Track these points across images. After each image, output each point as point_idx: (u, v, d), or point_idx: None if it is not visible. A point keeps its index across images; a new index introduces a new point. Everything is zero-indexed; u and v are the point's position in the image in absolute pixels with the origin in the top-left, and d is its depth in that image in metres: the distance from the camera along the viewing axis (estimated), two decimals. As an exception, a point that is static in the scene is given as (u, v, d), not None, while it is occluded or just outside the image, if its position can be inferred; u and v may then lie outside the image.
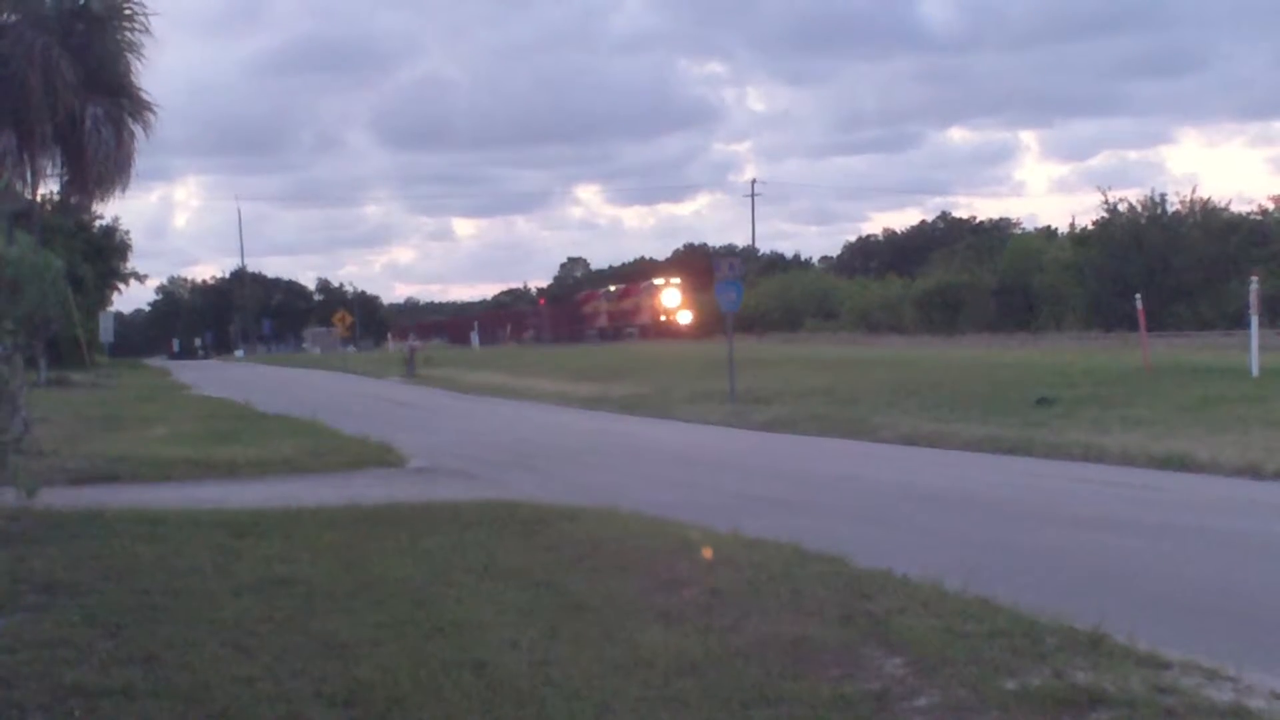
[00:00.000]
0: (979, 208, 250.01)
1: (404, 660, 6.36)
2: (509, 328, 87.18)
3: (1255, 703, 5.71)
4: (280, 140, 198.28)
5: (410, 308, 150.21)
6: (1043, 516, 11.94)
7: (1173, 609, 8.05)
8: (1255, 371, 22.13)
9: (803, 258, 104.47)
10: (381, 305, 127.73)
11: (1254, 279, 24.60)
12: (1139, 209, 53.55)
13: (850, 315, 63.01)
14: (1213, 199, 53.39)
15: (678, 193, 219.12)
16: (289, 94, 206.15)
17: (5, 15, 32.38)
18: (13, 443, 10.76)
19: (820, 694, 5.78)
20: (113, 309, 61.05)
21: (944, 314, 56.37)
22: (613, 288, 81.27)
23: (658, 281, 72.19)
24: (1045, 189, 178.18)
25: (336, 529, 10.49)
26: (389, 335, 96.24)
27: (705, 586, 7.98)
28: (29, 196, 33.62)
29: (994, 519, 11.86)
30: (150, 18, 32.71)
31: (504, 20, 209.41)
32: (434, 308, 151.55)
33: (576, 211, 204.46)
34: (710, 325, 58.36)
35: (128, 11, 32.65)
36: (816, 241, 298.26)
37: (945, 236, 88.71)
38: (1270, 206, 53.60)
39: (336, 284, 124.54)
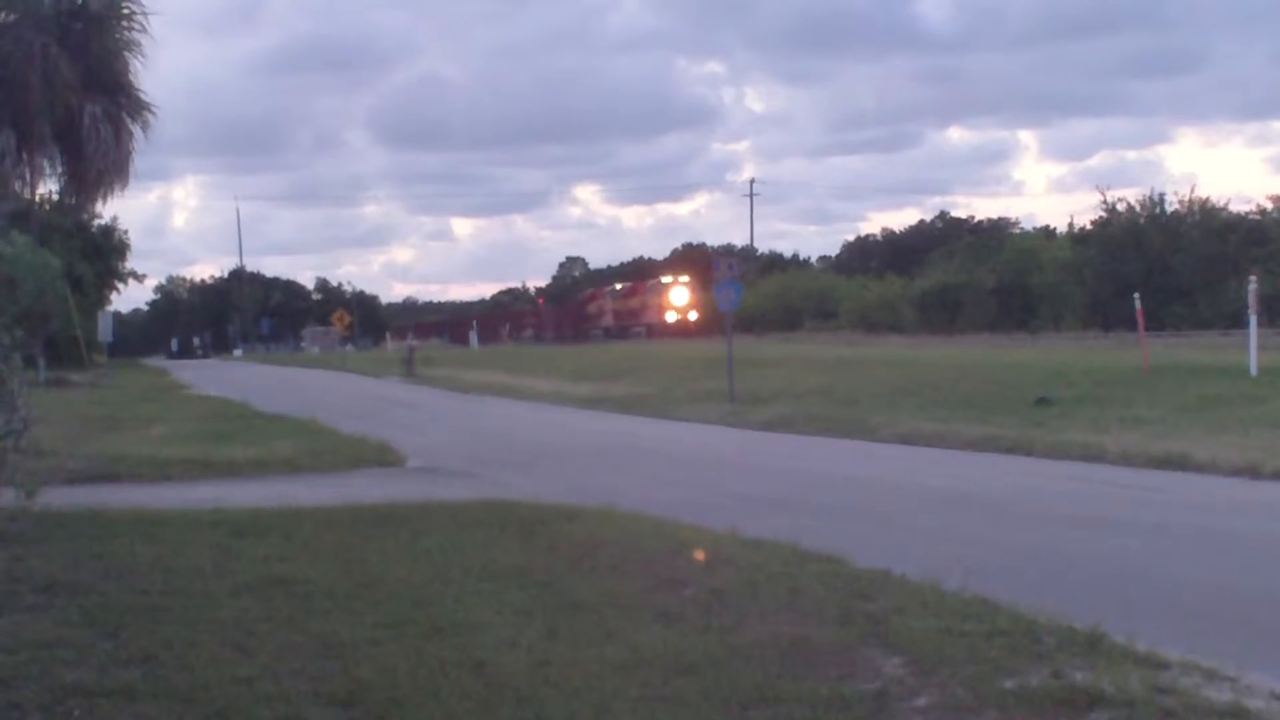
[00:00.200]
0: (978, 207, 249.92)
1: (403, 660, 6.36)
2: (508, 327, 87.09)
3: (1254, 703, 5.71)
4: (279, 140, 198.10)
5: (409, 307, 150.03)
6: (1041, 516, 11.95)
7: (1172, 609, 8.06)
8: (1254, 371, 22.14)
9: (801, 257, 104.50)
10: (380, 305, 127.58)
11: (1252, 278, 24.62)
12: (1138, 209, 53.64)
13: (849, 315, 62.99)
14: (1211, 199, 53.52)
15: (676, 192, 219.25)
16: (287, 93, 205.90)
17: (4, 15, 32.37)
18: (11, 442, 10.76)
19: (819, 694, 5.78)
20: (111, 308, 60.93)
21: (943, 314, 56.39)
22: (619, 286, 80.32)
23: (666, 279, 71.17)
24: (1044, 189, 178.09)
25: (335, 529, 10.49)
26: (388, 335, 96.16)
27: (704, 586, 7.98)
28: (27, 196, 33.63)
29: (993, 519, 11.87)
30: (148, 17, 32.72)
31: (502, 20, 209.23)
32: (433, 307, 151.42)
33: (575, 211, 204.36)
34: (711, 324, 58.21)
35: (126, 11, 32.66)
36: (815, 241, 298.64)
37: (944, 236, 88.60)
38: (1269, 206, 53.68)
39: (335, 284, 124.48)
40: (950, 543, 10.37)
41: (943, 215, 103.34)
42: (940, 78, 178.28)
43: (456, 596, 7.82)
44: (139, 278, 72.35)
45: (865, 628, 6.89)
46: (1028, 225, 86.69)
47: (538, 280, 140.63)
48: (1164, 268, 49.01)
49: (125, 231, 61.04)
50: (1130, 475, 14.60)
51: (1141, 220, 52.66)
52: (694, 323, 64.64)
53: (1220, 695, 5.80)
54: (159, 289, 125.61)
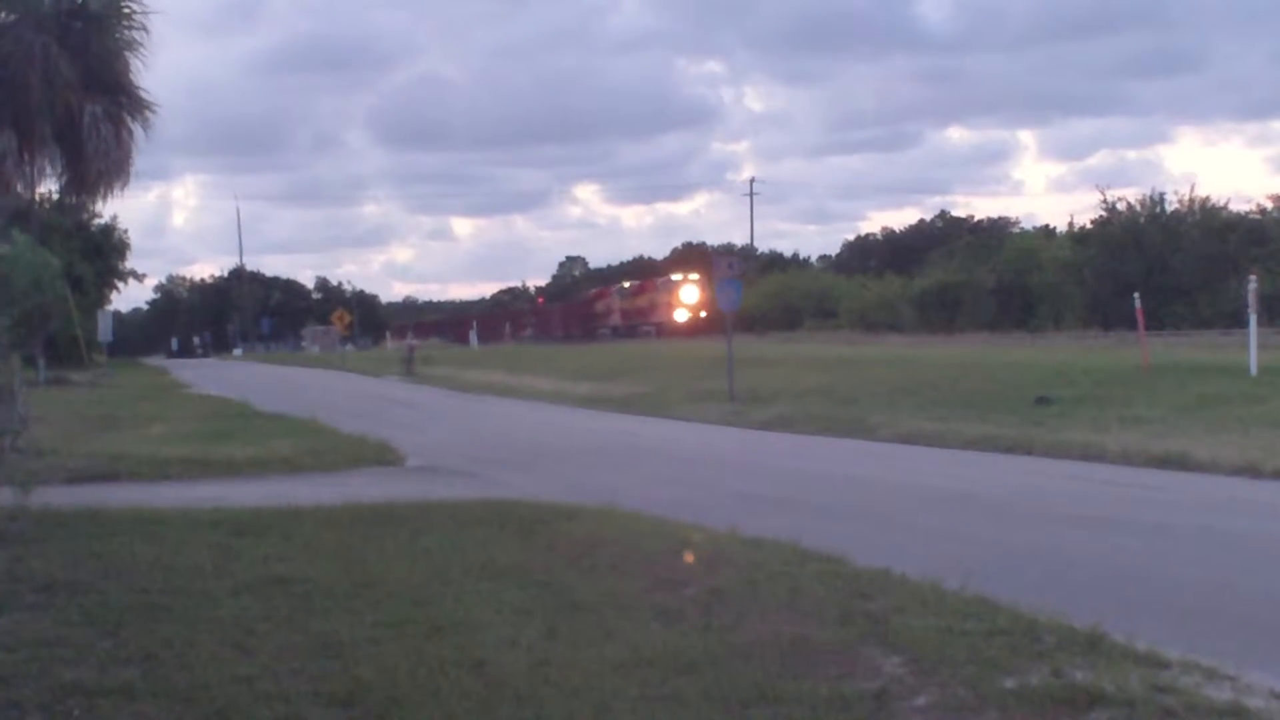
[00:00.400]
0: (977, 207, 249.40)
1: (403, 659, 6.35)
2: (508, 326, 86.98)
3: (1254, 702, 5.71)
4: (279, 139, 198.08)
5: (409, 306, 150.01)
6: (1041, 516, 11.94)
7: (1172, 608, 8.05)
8: (1254, 370, 22.13)
9: (801, 257, 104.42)
10: (380, 304, 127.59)
11: (1252, 278, 24.61)
12: (1137, 208, 53.63)
13: (849, 314, 62.97)
14: (1211, 198, 53.50)
15: (676, 192, 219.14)
16: (287, 93, 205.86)
17: (4, 14, 32.36)
18: (10, 441, 10.77)
19: (819, 693, 5.78)
20: (111, 308, 60.89)
21: (942, 313, 56.37)
22: (627, 284, 79.25)
23: (675, 277, 69.87)
24: (1043, 188, 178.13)
25: (335, 528, 10.49)
26: (387, 334, 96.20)
27: (704, 585, 7.98)
28: (27, 195, 33.62)
29: (993, 518, 11.86)
30: (148, 16, 32.68)
31: (502, 19, 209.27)
32: (432, 306, 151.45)
33: (575, 211, 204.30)
34: (720, 323, 57.73)
35: (126, 10, 32.63)
36: (815, 240, 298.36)
37: (944, 236, 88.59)
38: (1269, 205, 53.69)
39: (335, 283, 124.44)
40: (950, 542, 10.37)
41: (943, 215, 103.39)
42: (940, 77, 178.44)
43: (456, 596, 7.82)
44: (139, 277, 72.37)
45: (865, 627, 6.89)
46: (1027, 225, 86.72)
47: (538, 280, 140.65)
48: (1164, 267, 49.01)
49: (125, 231, 61.04)
50: (1130, 474, 14.60)
51: (1141, 220, 52.65)
52: (705, 321, 63.59)
53: (1220, 694, 5.80)
54: (159, 288, 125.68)
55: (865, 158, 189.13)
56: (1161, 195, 53.71)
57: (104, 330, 48.17)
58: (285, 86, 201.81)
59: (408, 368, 45.61)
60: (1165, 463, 15.06)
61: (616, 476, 15.49)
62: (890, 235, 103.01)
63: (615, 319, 74.95)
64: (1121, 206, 53.98)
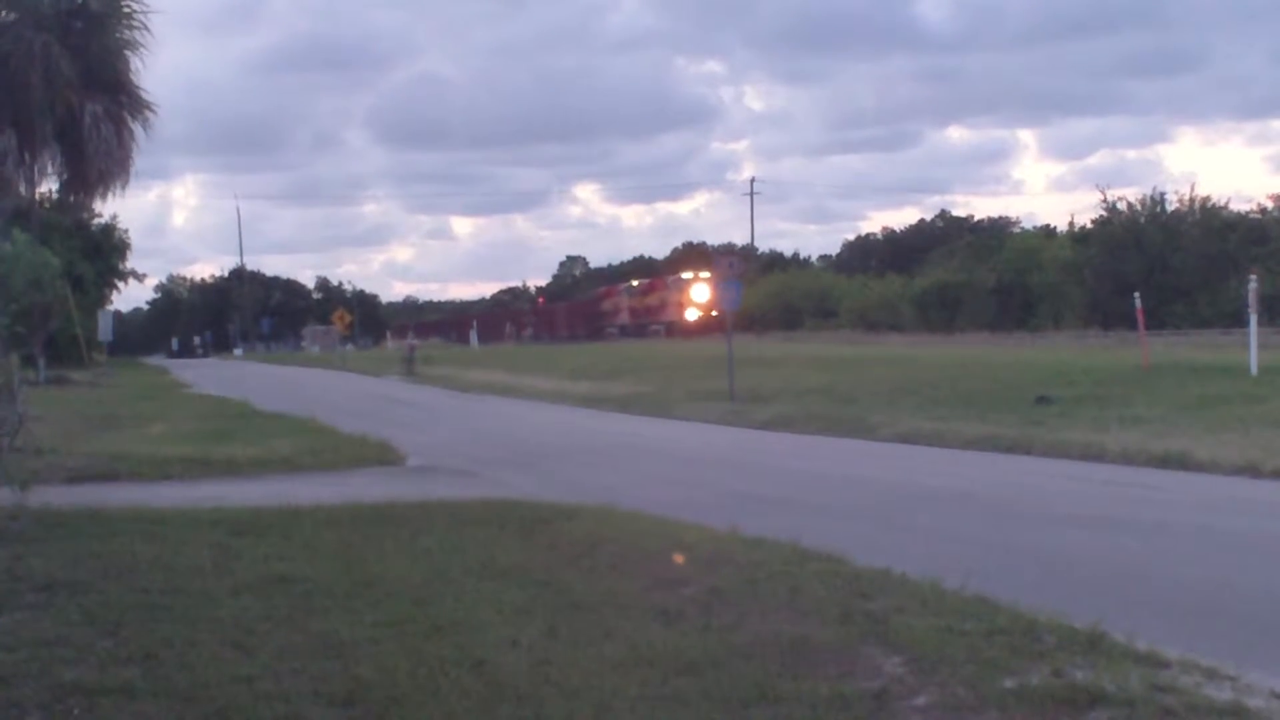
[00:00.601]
0: (977, 206, 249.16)
1: (403, 659, 6.35)
2: (509, 326, 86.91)
3: (1254, 702, 5.71)
4: (278, 139, 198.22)
5: (409, 306, 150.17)
6: (1042, 515, 11.94)
7: (1172, 608, 8.05)
8: (1254, 370, 22.14)
9: (801, 256, 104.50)
10: (380, 304, 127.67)
11: (1253, 277, 24.62)
12: (1138, 208, 53.65)
13: (849, 314, 63.02)
14: (1211, 197, 53.53)
15: (676, 191, 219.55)
16: (287, 93, 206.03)
17: (4, 13, 32.37)
18: (8, 439, 10.77)
19: (819, 693, 5.78)
20: (111, 307, 60.91)
21: (943, 313, 56.41)
22: (635, 282, 78.69)
23: (687, 275, 68.95)
24: (1044, 188, 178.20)
25: (335, 528, 10.48)
26: (388, 334, 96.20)
27: (704, 585, 7.98)
28: (28, 195, 33.63)
29: (993, 518, 11.86)
30: (148, 16, 32.70)
31: (501, 19, 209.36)
32: (433, 306, 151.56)
33: (575, 210, 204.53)
34: (722, 323, 57.25)
35: (126, 10, 32.65)
36: (815, 240, 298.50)
37: (944, 235, 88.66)
38: (1269, 205, 53.70)
39: (335, 282, 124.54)
40: (950, 542, 10.37)
41: (943, 214, 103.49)
42: (940, 77, 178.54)
43: (456, 595, 7.82)
44: (139, 277, 72.35)
45: (865, 627, 6.89)
46: (1028, 224, 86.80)
47: (538, 279, 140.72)
48: (1164, 267, 49.02)
49: (125, 230, 61.03)
50: (1130, 474, 14.59)
51: (1141, 219, 52.68)
52: (716, 320, 62.53)
53: (1220, 694, 5.80)
54: (159, 288, 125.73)
55: (865, 157, 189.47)
56: (1162, 195, 53.81)
57: (104, 330, 48.16)
58: (285, 86, 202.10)
59: (408, 367, 45.59)
60: (1165, 462, 15.05)
61: (616, 476, 15.49)
62: (890, 235, 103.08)
63: (623, 318, 74.45)
64: (1122, 206, 54.05)
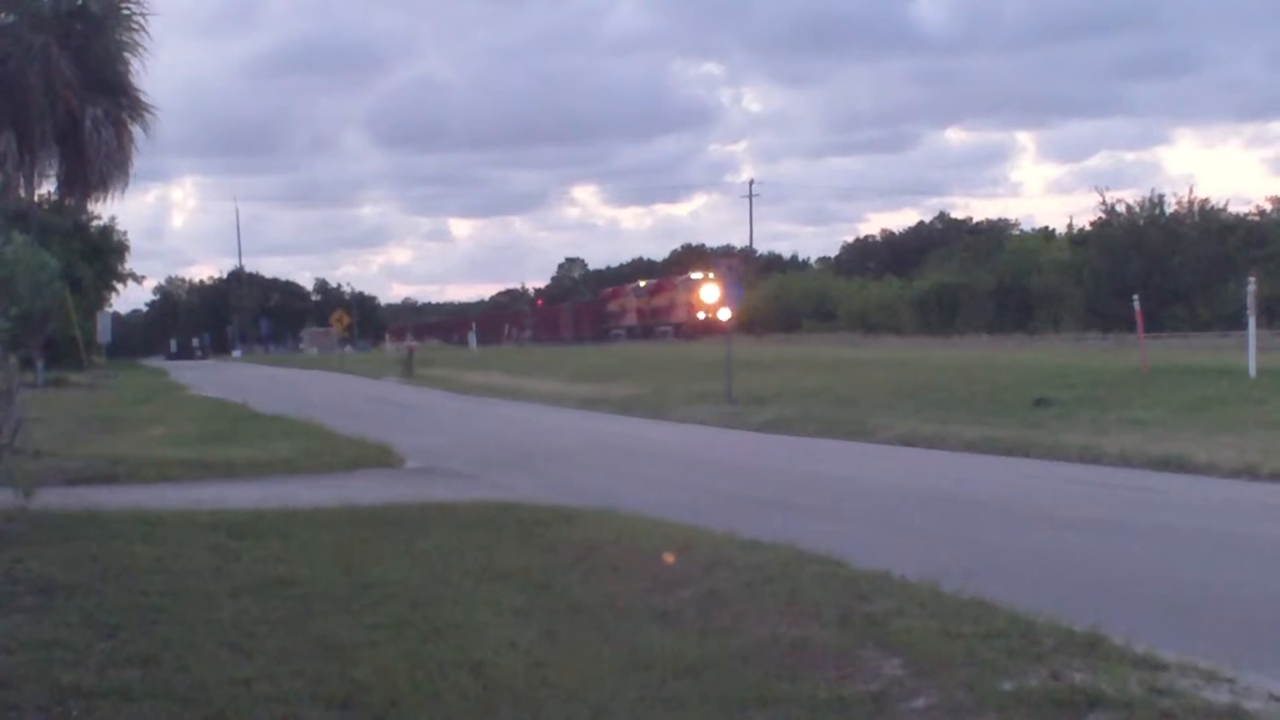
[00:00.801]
0: (976, 208, 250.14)
1: (401, 661, 6.35)
2: (507, 328, 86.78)
3: (1252, 704, 5.71)
4: (277, 141, 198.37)
5: (407, 308, 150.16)
6: (1040, 518, 11.95)
7: (1170, 610, 8.06)
8: (1253, 373, 22.13)
9: (800, 258, 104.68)
10: (379, 306, 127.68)
11: (1251, 280, 24.60)
12: (1136, 210, 53.72)
13: (848, 316, 63.05)
14: (1210, 200, 53.63)
15: (674, 193, 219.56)
16: (285, 95, 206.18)
17: (4, 15, 32.36)
18: (8, 443, 10.76)
19: (818, 695, 5.78)
20: (110, 309, 60.89)
21: (941, 315, 56.45)
22: (643, 283, 77.95)
23: (695, 275, 69.03)
24: (1042, 190, 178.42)
25: (334, 530, 10.48)
26: (386, 336, 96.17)
27: (703, 588, 7.98)
28: (27, 197, 33.61)
29: (991, 520, 11.86)
30: (147, 18, 32.67)
31: (500, 21, 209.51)
32: (431, 308, 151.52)
33: (573, 212, 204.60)
34: (721, 325, 56.61)
35: (125, 12, 32.62)
36: (814, 242, 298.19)
37: (943, 237, 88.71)
38: (1268, 207, 53.77)
39: (334, 284, 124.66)
40: (949, 544, 10.37)
41: (941, 216, 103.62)
42: (938, 79, 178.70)
43: (455, 598, 7.82)
44: (138, 279, 72.13)
45: (864, 629, 6.89)
46: (1026, 226, 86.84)
47: (537, 281, 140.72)
48: (1163, 269, 49.09)
49: (124, 232, 61.05)
50: (1129, 476, 14.60)
51: (1140, 221, 52.77)
52: (726, 322, 61.15)
53: (1218, 697, 5.80)
54: (158, 290, 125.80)
55: (864, 159, 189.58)
56: (1160, 197, 53.93)
57: (103, 332, 48.14)
58: (283, 88, 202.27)
59: (407, 369, 45.59)
60: (1164, 465, 15.06)
61: (615, 479, 15.49)
62: (889, 237, 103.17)
63: (631, 319, 73.72)
64: (1120, 208, 54.17)
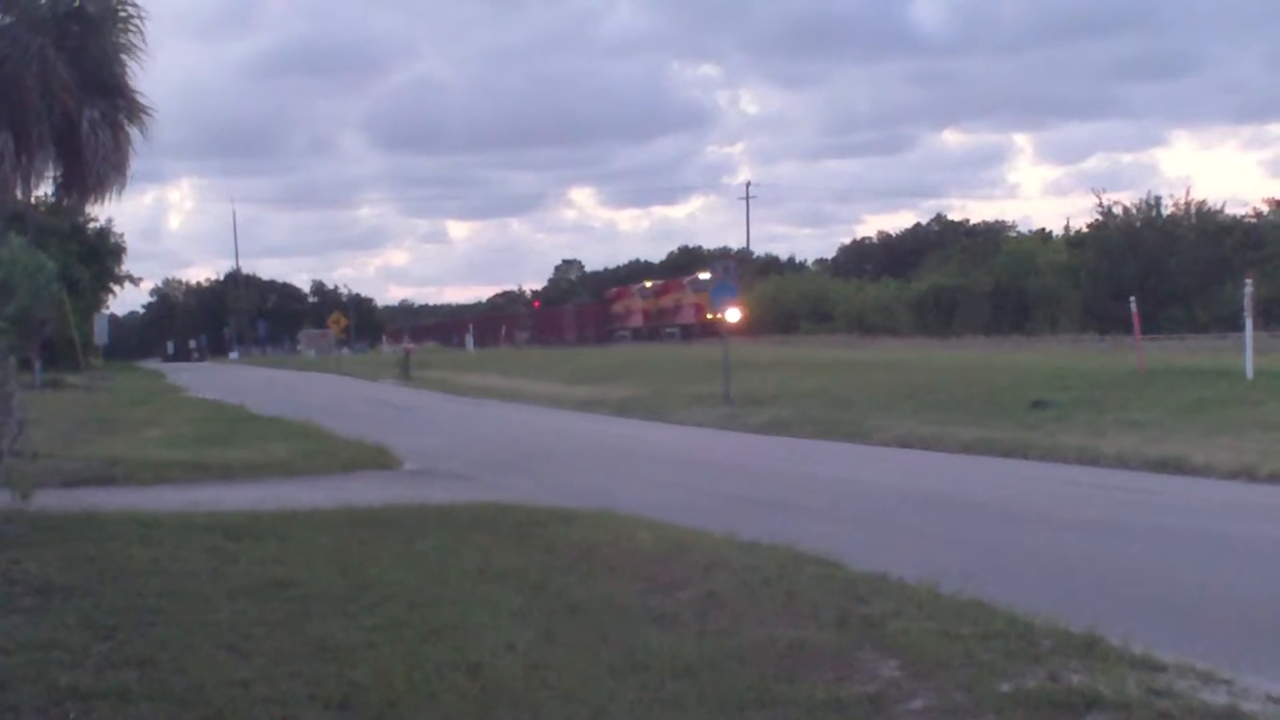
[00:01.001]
0: (973, 210, 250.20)
1: (399, 663, 6.35)
2: (504, 330, 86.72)
3: (1250, 706, 5.71)
4: (274, 142, 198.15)
5: (405, 310, 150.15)
6: (1038, 519, 11.95)
7: (1168, 611, 8.06)
8: (1250, 374, 22.14)
9: (797, 260, 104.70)
10: (376, 307, 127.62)
11: (1248, 281, 24.61)
12: (1133, 212, 53.80)
13: (845, 318, 63.04)
14: (1207, 202, 53.72)
15: (672, 195, 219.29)
16: (283, 96, 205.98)
17: (0, 16, 32.34)
18: (6, 444, 10.76)
19: (815, 697, 5.78)
20: (107, 311, 60.96)
21: (939, 316, 56.48)
22: (649, 283, 77.24)
23: (703, 276, 68.86)
24: (1039, 191, 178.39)
25: (331, 531, 10.48)
26: (384, 337, 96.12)
27: (700, 589, 7.98)
28: (24, 198, 33.58)
29: (989, 522, 11.87)
30: (145, 20, 32.65)
31: (497, 23, 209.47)
32: (429, 310, 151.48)
33: (570, 214, 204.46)
34: (740, 326, 56.11)
35: (123, 14, 32.61)
36: (811, 244, 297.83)
37: (940, 239, 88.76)
38: (1265, 209, 53.83)
39: (331, 286, 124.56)
40: (946, 546, 10.38)
41: (938, 218, 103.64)
42: (935, 81, 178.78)
43: (453, 599, 7.82)
44: (135, 280, 72.22)
45: (862, 630, 6.89)
46: (1023, 228, 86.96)
47: (534, 283, 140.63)
48: (1160, 271, 49.15)
49: (121, 234, 61.13)
50: (1126, 478, 14.61)
51: (1137, 223, 52.84)
52: (734, 324, 60.14)
53: (1216, 698, 5.80)
54: (155, 292, 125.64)
55: (861, 161, 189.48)
56: (1157, 199, 54.03)
57: (100, 333, 48.19)
58: (281, 90, 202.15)
59: (404, 371, 45.58)
60: (1161, 466, 15.07)
61: (613, 480, 15.49)
62: (886, 239, 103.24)
63: (636, 320, 73.04)
64: (1117, 210, 54.25)
